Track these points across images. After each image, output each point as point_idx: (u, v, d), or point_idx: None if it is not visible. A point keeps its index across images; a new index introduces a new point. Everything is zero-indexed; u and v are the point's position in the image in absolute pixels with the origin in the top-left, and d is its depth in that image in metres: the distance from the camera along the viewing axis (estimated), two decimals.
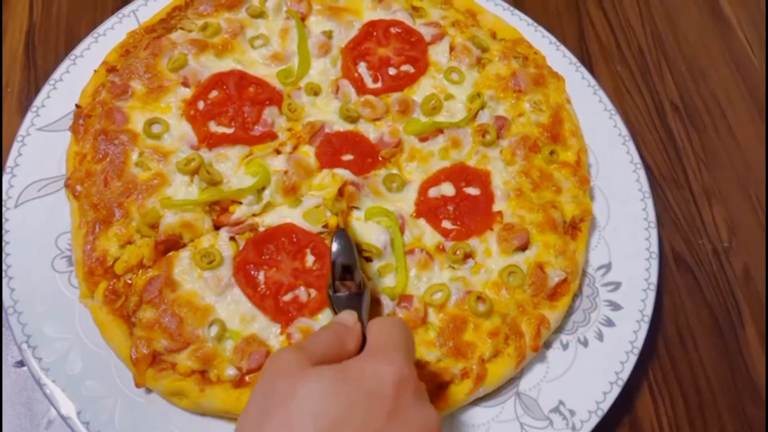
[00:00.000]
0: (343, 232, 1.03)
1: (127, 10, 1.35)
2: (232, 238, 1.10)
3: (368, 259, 1.12)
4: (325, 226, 1.13)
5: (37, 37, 1.42)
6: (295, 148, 1.21)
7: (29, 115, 1.21)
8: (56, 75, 1.26)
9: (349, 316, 0.89)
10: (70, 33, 1.43)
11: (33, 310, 1.05)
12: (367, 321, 0.91)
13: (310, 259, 1.09)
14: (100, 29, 1.32)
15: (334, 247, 1.00)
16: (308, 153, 1.21)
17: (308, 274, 1.08)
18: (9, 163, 1.17)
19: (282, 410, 0.69)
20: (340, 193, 1.16)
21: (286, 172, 1.16)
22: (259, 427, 0.68)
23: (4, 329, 1.12)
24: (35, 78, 1.37)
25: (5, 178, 1.15)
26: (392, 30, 1.35)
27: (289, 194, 1.15)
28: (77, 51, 1.29)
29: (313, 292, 1.07)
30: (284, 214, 1.13)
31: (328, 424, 0.67)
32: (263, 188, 1.15)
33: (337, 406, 0.69)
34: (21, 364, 1.09)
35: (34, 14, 1.45)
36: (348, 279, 1.00)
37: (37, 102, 1.23)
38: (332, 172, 1.18)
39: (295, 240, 1.10)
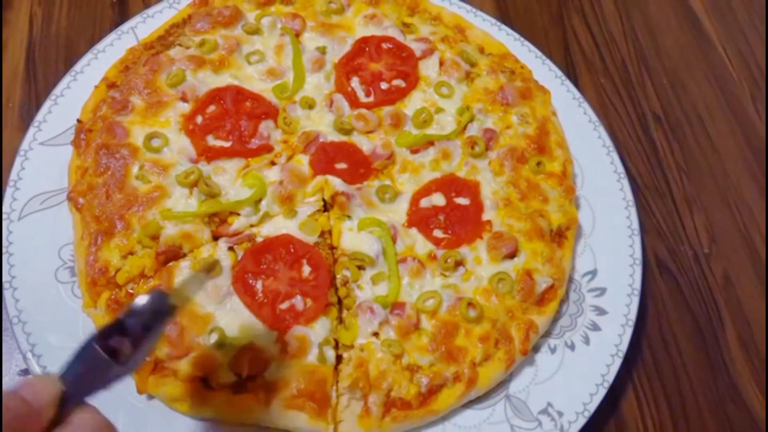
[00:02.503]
0: (162, 295, 0.82)
1: (125, 27, 1.39)
2: (230, 248, 1.14)
3: (361, 268, 1.15)
4: (321, 235, 1.17)
5: (38, 53, 1.45)
6: (289, 158, 1.25)
7: (31, 130, 1.25)
8: (57, 90, 1.29)
9: (46, 386, 0.68)
10: (70, 49, 1.47)
11: (37, 319, 1.08)
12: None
13: (306, 269, 1.13)
14: (100, 46, 1.36)
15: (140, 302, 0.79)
16: (301, 161, 1.25)
17: (304, 283, 1.12)
18: (12, 176, 1.20)
19: None
20: (331, 203, 1.20)
21: (281, 182, 1.20)
22: None
23: (8, 338, 1.14)
24: (36, 93, 1.40)
25: (8, 191, 1.18)
26: (384, 45, 1.39)
27: (285, 203, 1.19)
28: (77, 67, 1.32)
29: (309, 301, 1.10)
30: (281, 225, 1.17)
31: None
32: (260, 199, 1.19)
33: None
34: (25, 372, 1.12)
35: (34, 31, 1.48)
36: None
37: (39, 117, 1.26)
38: (325, 178, 1.22)
39: (292, 250, 1.13)
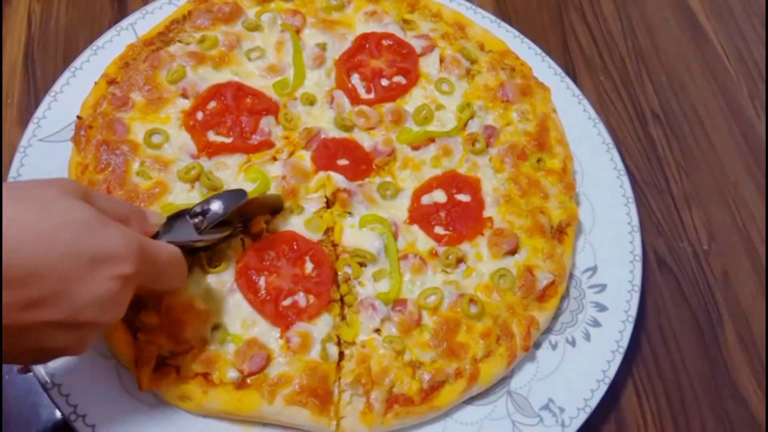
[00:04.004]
0: (241, 192, 1.08)
1: (125, 23, 1.38)
2: (241, 238, 1.13)
3: (362, 265, 1.16)
4: (324, 232, 1.17)
5: (36, 49, 1.44)
6: (291, 154, 1.25)
7: (30, 127, 1.24)
8: (56, 87, 1.28)
9: (157, 218, 0.99)
10: (69, 45, 1.46)
11: None
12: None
13: (309, 266, 1.13)
14: (99, 42, 1.35)
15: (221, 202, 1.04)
16: (303, 157, 1.25)
17: (307, 280, 1.11)
18: (11, 173, 1.19)
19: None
20: (333, 200, 1.20)
21: (284, 177, 1.20)
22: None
23: None
24: (35, 90, 1.39)
25: None
26: (384, 42, 1.39)
27: (289, 198, 1.19)
28: (77, 63, 1.32)
29: (312, 298, 1.10)
30: (286, 221, 1.17)
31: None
32: (263, 194, 1.18)
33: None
34: (26, 370, 1.11)
35: (33, 27, 1.47)
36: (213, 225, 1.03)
37: (38, 113, 1.25)
38: (327, 174, 1.22)
39: (295, 247, 1.13)
